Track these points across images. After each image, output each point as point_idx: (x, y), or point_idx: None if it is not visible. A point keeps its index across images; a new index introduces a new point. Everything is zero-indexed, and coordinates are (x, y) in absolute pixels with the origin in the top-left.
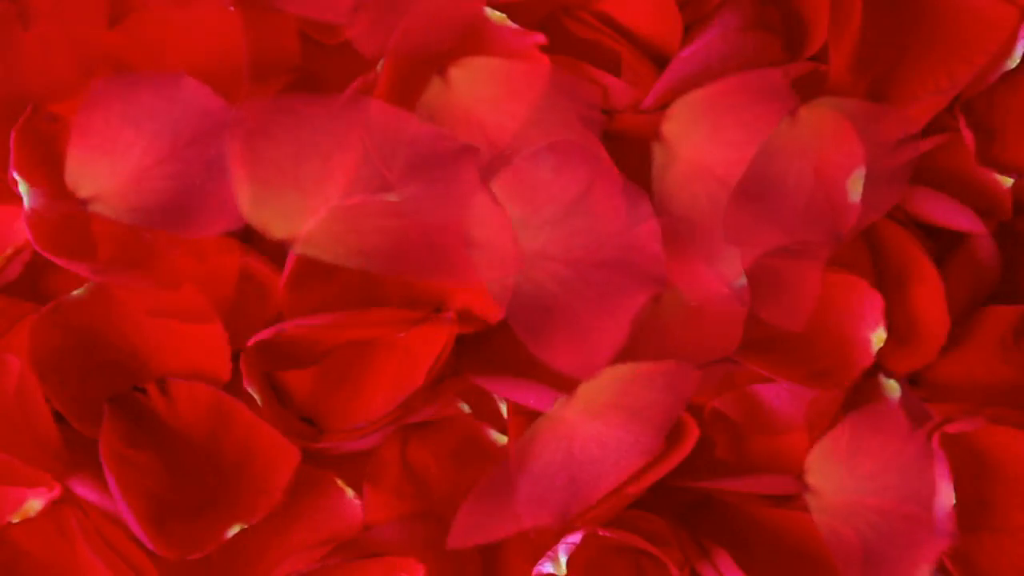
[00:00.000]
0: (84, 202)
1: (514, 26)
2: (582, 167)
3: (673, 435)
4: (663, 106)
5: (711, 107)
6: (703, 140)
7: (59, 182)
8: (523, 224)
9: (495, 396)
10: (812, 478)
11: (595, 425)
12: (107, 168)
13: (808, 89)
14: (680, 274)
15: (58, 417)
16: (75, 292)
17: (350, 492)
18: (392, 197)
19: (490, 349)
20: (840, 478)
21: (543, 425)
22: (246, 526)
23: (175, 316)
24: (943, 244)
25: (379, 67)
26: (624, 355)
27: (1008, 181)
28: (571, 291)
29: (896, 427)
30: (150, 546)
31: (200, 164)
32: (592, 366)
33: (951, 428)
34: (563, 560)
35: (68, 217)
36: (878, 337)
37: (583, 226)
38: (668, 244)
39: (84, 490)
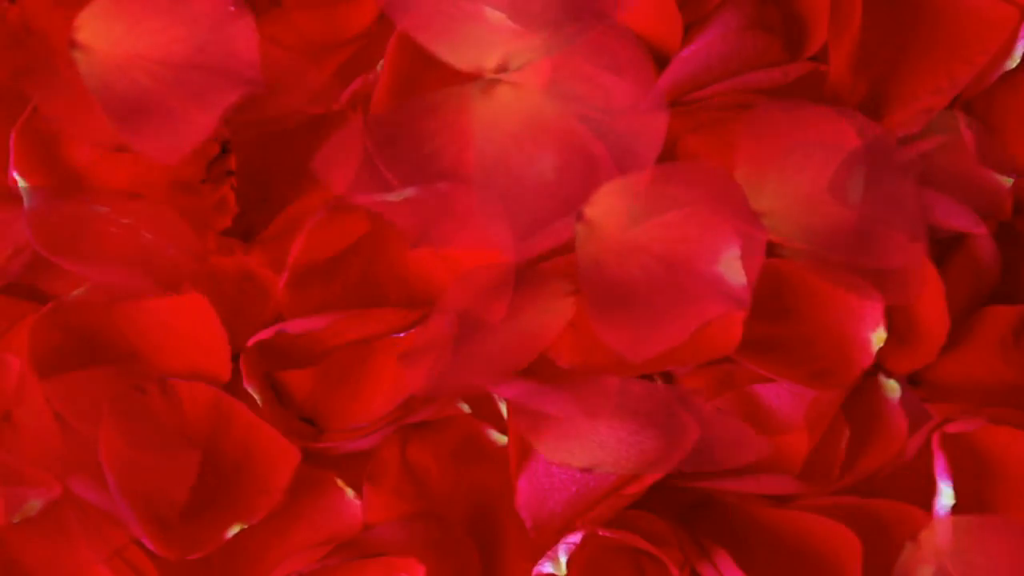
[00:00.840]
0: (72, 42)
1: (514, 26)
2: (710, 190)
3: (673, 435)
4: (663, 106)
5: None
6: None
7: (59, 182)
8: (633, 216)
9: (495, 396)
10: None
11: (595, 424)
12: (117, 33)
13: (808, 89)
14: None
15: (58, 417)
16: (75, 292)
17: (350, 492)
18: (392, 197)
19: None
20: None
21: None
22: (246, 526)
23: (175, 316)
24: (943, 244)
25: (379, 67)
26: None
27: (1008, 181)
28: (653, 285)
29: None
30: (150, 546)
31: (191, 91)
32: (643, 351)
33: (951, 428)
34: (563, 560)
35: (68, 217)
36: (878, 337)
37: (693, 236)
38: None
39: (84, 490)
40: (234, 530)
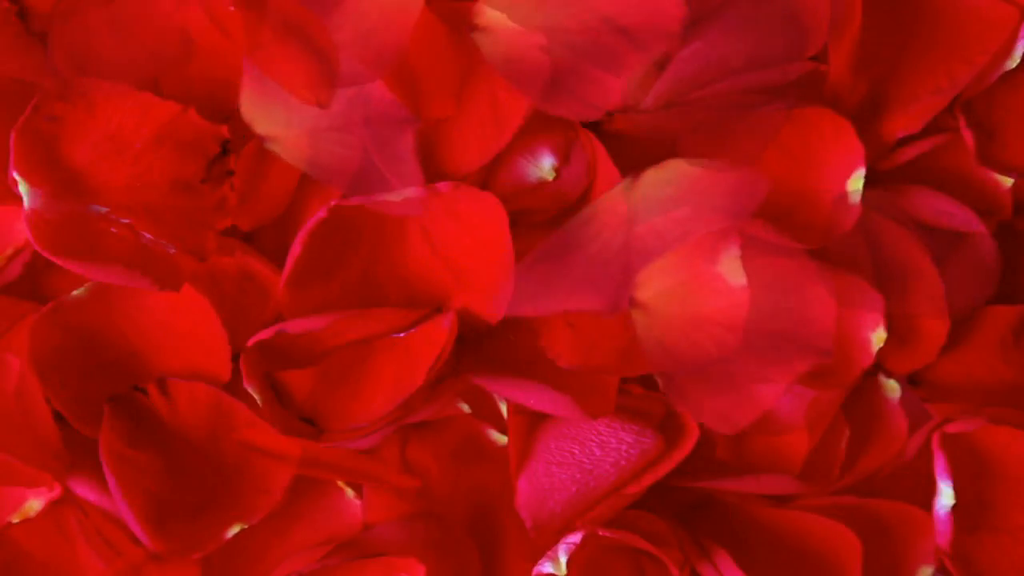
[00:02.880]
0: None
1: (514, 26)
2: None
3: (673, 435)
4: (663, 106)
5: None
6: None
7: (59, 182)
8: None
9: (495, 396)
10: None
11: (595, 424)
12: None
13: (808, 89)
14: None
15: (58, 417)
16: (75, 292)
17: (350, 492)
18: (392, 197)
19: (490, 349)
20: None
21: (544, 423)
22: (246, 526)
23: (175, 316)
24: (943, 244)
25: None
26: (622, 355)
27: (1008, 181)
28: (732, 355)
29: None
30: (150, 546)
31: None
32: (735, 423)
33: (951, 428)
34: (563, 560)
35: (68, 217)
36: (878, 337)
37: (762, 298)
38: None
39: (84, 490)
40: (234, 530)
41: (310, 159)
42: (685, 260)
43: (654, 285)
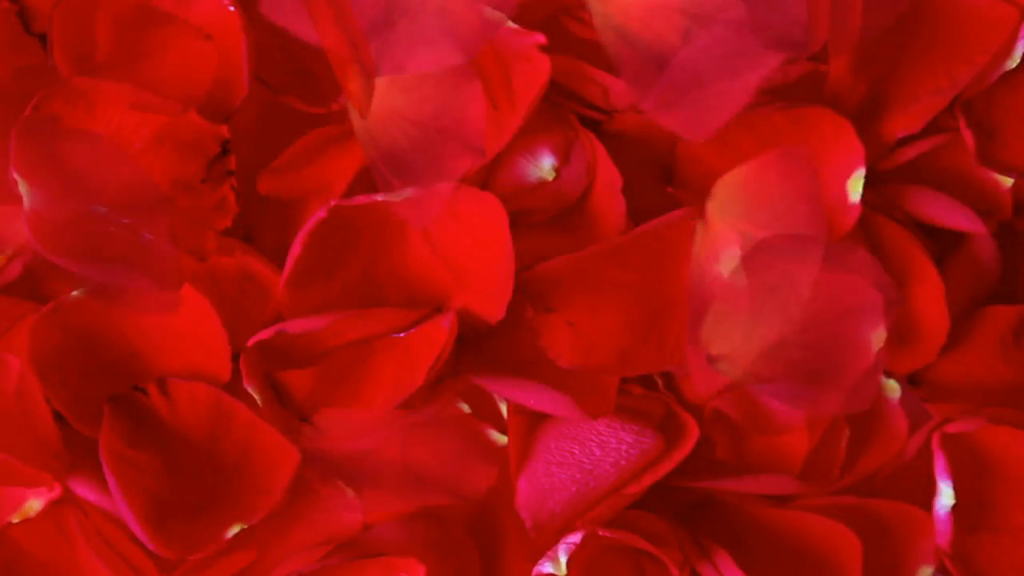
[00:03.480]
0: None
1: (514, 26)
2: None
3: (673, 435)
4: (664, 106)
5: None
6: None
7: (59, 182)
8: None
9: (495, 396)
10: None
11: (595, 424)
12: None
13: (808, 89)
14: None
15: (58, 417)
16: (75, 292)
17: (350, 492)
18: (392, 197)
19: (490, 349)
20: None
21: (544, 423)
22: (246, 526)
23: (175, 316)
24: (943, 244)
25: None
26: (622, 355)
27: (1008, 181)
28: (811, 352)
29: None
30: (150, 546)
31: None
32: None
33: (951, 428)
34: (563, 560)
35: (68, 217)
36: (878, 337)
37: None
38: None
39: (84, 490)
40: (234, 530)
41: (371, 132)
42: None
43: None
